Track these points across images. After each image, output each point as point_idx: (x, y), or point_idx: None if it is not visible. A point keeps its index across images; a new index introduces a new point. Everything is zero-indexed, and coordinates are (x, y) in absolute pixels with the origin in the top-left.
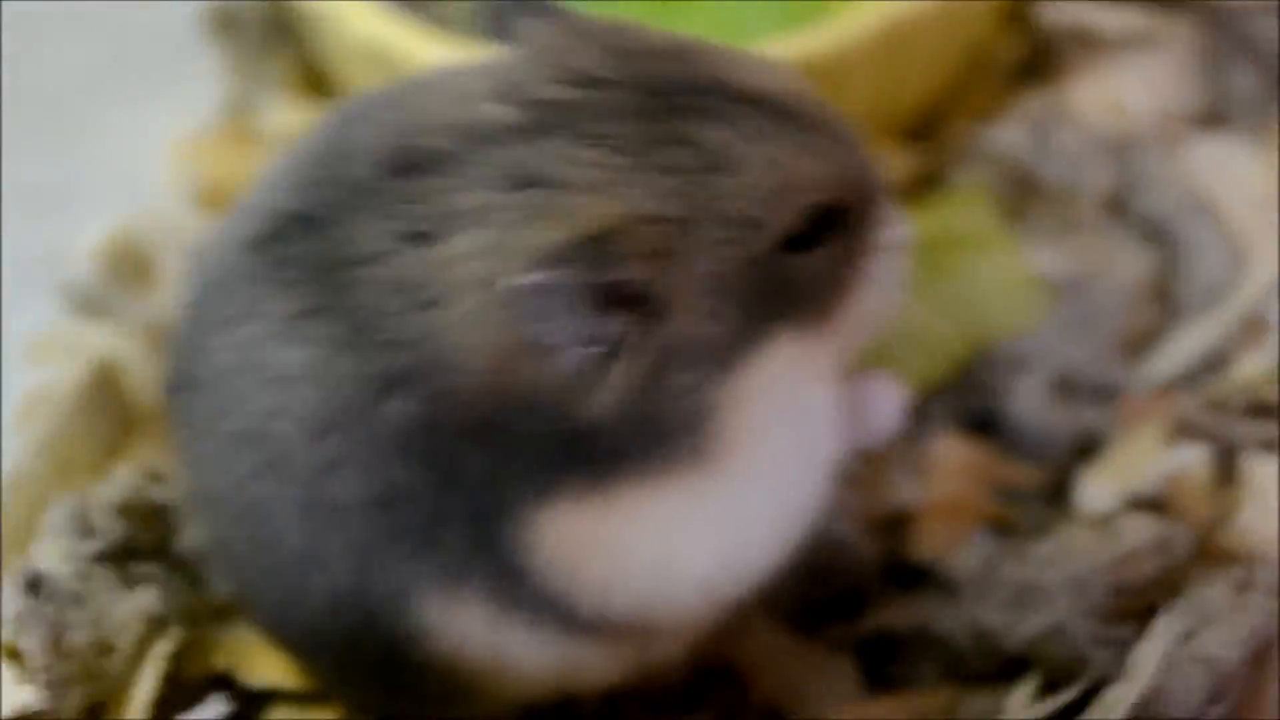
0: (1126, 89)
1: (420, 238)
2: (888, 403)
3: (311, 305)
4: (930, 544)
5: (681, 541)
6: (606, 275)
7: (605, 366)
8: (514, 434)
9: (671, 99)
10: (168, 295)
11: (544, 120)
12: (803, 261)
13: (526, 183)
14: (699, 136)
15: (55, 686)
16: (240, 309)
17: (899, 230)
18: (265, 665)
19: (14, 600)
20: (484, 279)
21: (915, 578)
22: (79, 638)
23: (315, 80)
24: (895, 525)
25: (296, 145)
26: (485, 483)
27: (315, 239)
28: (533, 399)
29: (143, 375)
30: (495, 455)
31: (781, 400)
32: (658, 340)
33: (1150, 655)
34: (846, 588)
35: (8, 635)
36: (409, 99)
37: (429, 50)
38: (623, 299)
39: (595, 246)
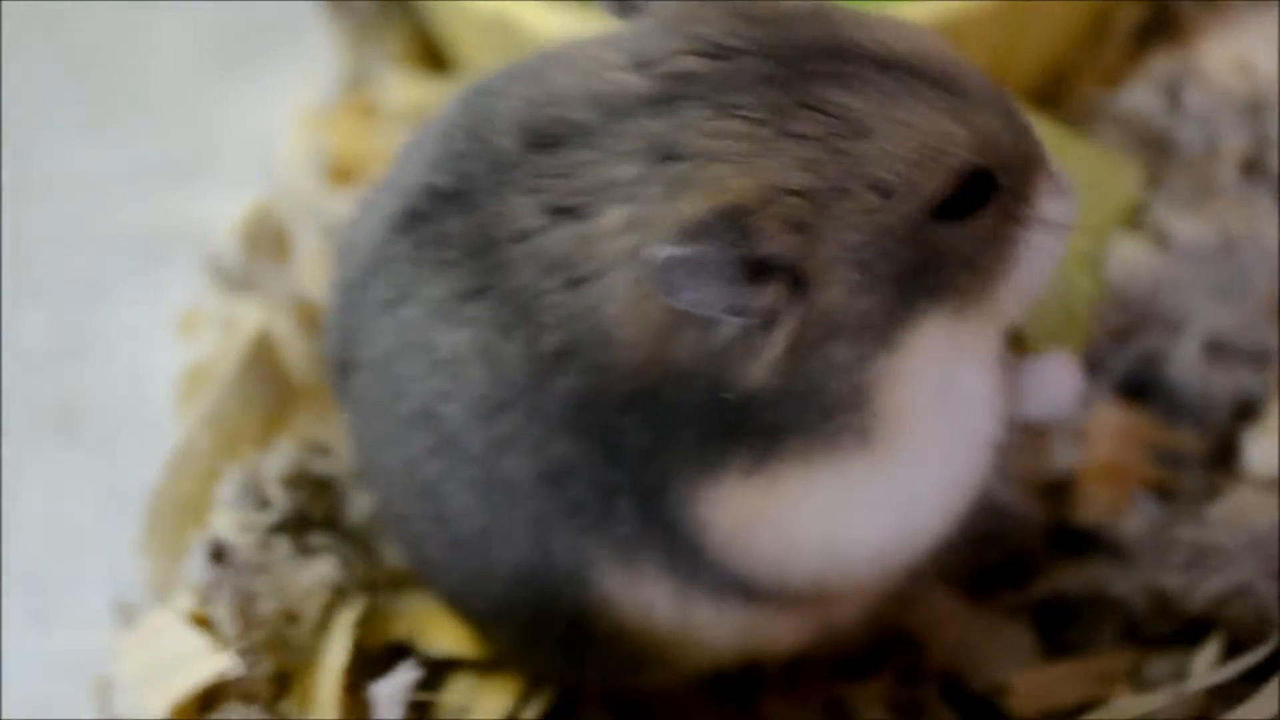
0: (1253, 48)
1: (569, 213)
2: (1062, 381)
3: (471, 286)
4: (1093, 509)
5: (849, 519)
6: (750, 247)
7: (757, 339)
8: (676, 408)
9: (806, 65)
10: (307, 268)
11: (680, 91)
12: (956, 231)
13: (668, 155)
14: (837, 103)
15: (247, 654)
16: (399, 291)
17: (1062, 199)
18: (444, 634)
19: (201, 569)
20: (633, 253)
21: (1081, 542)
22: (266, 606)
23: (432, 53)
24: (1057, 490)
25: (433, 120)
26: (652, 458)
27: (466, 216)
28: (690, 372)
29: (295, 348)
30: (658, 430)
31: (942, 377)
32: (809, 313)
33: None
34: (1014, 553)
35: (197, 604)
36: (544, 71)
37: (552, 21)
38: (769, 270)
39: (738, 219)
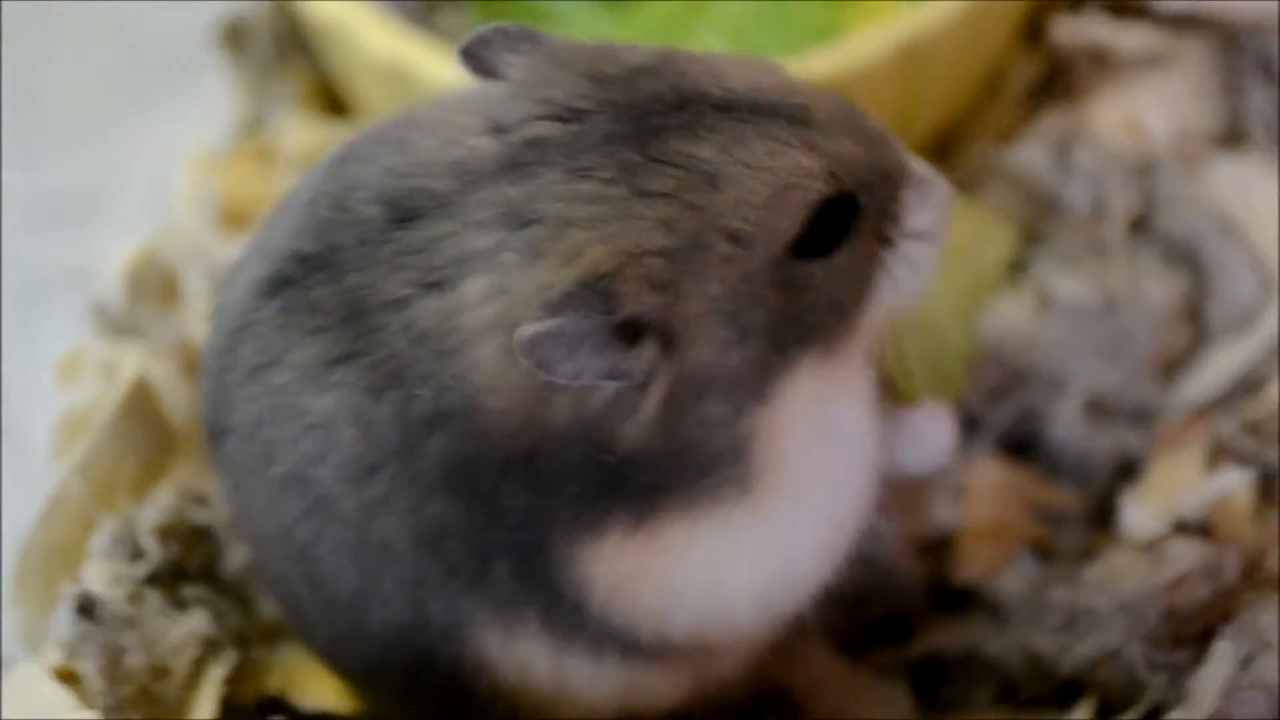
0: (1144, 109)
1: (433, 286)
2: (938, 433)
3: (341, 351)
4: (972, 567)
5: (732, 568)
6: (616, 313)
7: (631, 401)
8: (553, 471)
9: (652, 120)
10: (195, 314)
11: (534, 156)
12: (821, 267)
13: (524, 222)
14: (685, 154)
15: (114, 710)
16: (268, 356)
17: (929, 205)
18: (317, 687)
19: (68, 623)
20: (497, 323)
21: (960, 601)
22: (135, 661)
23: (331, 98)
24: (937, 548)
25: (300, 185)
26: (529, 519)
27: (334, 284)
28: (566, 436)
29: (177, 395)
30: (536, 491)
31: (819, 418)
32: (681, 371)
33: (1212, 681)
34: (893, 611)
35: (64, 658)
36: (406, 137)
37: (446, 69)
38: (636, 333)
39: (600, 285)
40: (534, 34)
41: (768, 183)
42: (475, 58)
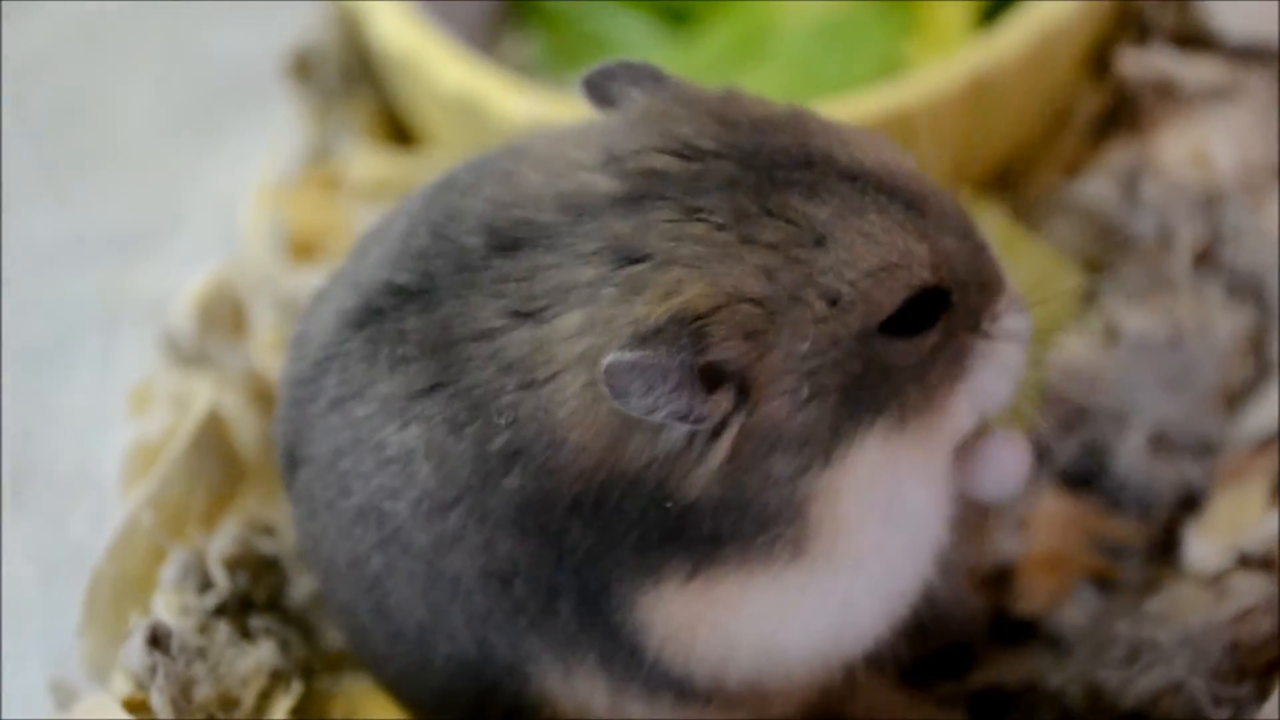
0: (1211, 141)
1: (529, 316)
2: (1013, 460)
3: (426, 383)
4: (1033, 598)
5: (786, 625)
6: (704, 354)
7: (701, 448)
8: (619, 512)
9: (775, 172)
10: (263, 345)
11: (646, 191)
12: (904, 346)
13: (629, 257)
14: (799, 211)
15: None
16: (350, 388)
17: (1016, 321)
18: (381, 716)
19: (139, 653)
20: (588, 356)
21: (1021, 632)
22: (204, 692)
23: (397, 128)
24: (998, 579)
25: (393, 214)
26: (593, 560)
27: (425, 314)
28: (636, 478)
29: (246, 426)
30: (601, 533)
31: (883, 490)
32: (753, 423)
33: (1276, 716)
34: (954, 642)
35: (134, 689)
36: (513, 170)
37: (518, 103)
38: (719, 377)
39: (694, 325)
40: (658, 72)
41: (876, 255)
42: (597, 89)
